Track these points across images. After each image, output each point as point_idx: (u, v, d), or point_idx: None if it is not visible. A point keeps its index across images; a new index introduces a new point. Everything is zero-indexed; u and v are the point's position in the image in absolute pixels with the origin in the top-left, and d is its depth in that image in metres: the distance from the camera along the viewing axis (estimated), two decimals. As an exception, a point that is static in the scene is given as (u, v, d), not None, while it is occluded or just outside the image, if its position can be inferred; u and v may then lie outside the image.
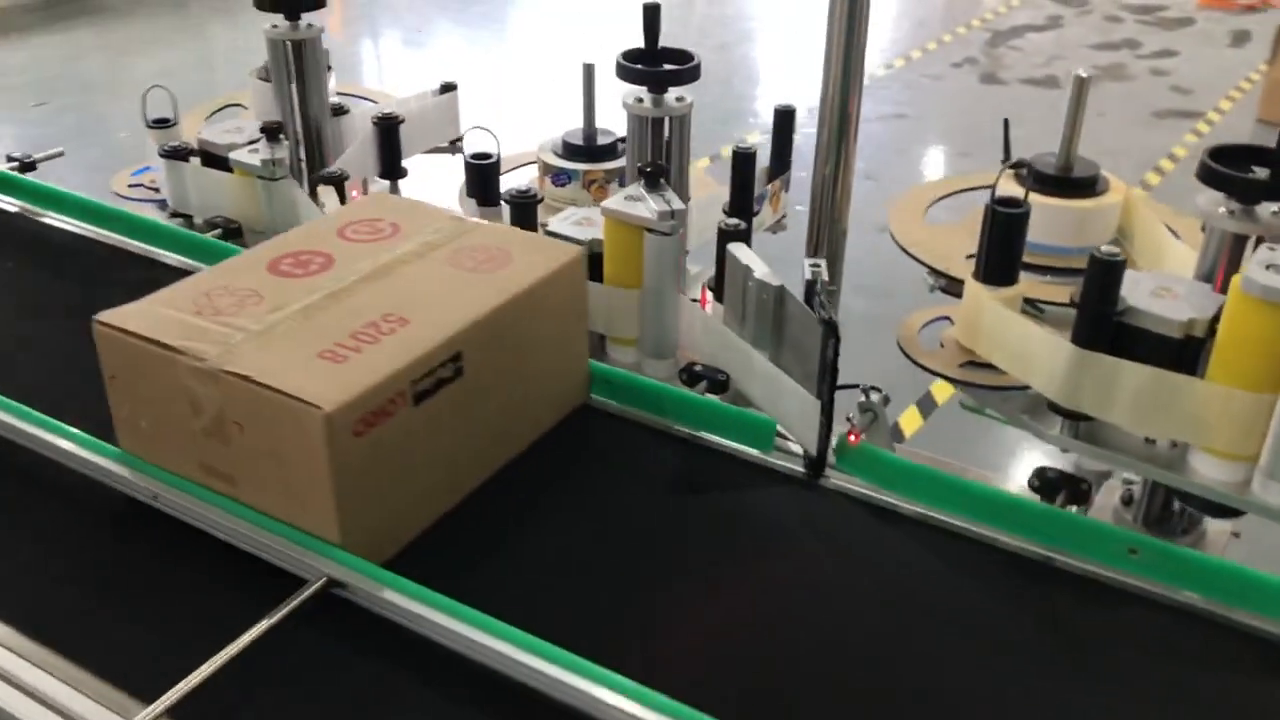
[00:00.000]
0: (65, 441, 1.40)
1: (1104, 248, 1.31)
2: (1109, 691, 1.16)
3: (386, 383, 1.20)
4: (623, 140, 2.13)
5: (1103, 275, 1.30)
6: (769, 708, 1.13)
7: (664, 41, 1.87)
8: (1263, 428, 1.28)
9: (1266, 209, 1.41)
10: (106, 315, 1.30)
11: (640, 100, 1.79)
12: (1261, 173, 1.40)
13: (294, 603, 1.20)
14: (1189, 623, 1.25)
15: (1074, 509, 1.45)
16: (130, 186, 2.20)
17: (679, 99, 1.80)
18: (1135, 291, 1.36)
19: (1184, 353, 1.33)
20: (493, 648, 1.13)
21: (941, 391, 3.50)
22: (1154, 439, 1.39)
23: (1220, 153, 1.43)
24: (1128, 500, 1.64)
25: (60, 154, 2.28)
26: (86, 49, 7.09)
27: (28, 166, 2.23)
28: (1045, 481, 1.43)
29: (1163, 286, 1.37)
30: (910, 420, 3.65)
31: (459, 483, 1.38)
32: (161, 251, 1.96)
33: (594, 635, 1.18)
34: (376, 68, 6.86)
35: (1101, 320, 1.33)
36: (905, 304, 1.68)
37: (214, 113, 2.50)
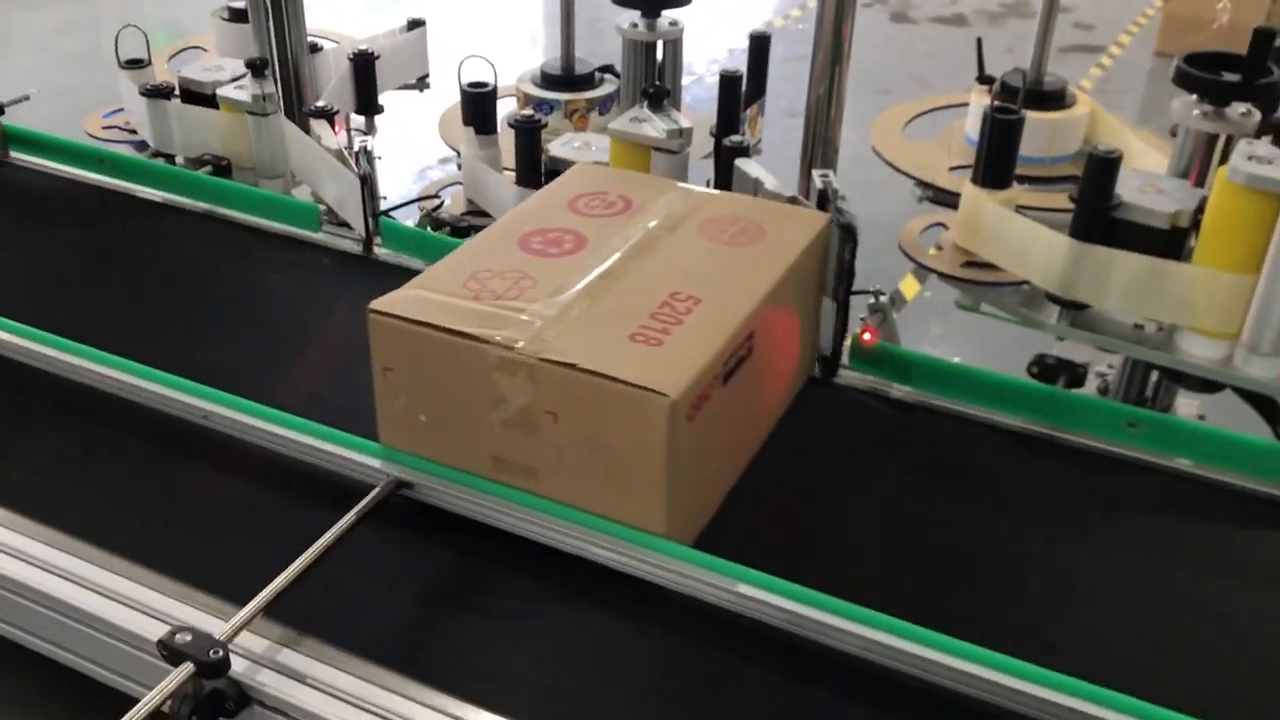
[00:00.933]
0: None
1: (1101, 146, 1.42)
2: (1113, 544, 1.29)
3: (711, 364, 1.16)
4: (601, 70, 2.19)
5: (1101, 171, 1.41)
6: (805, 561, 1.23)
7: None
8: (1245, 307, 1.41)
9: (1235, 110, 1.54)
10: (382, 304, 1.22)
11: (635, 25, 1.85)
12: (1231, 77, 1.52)
13: (365, 504, 1.25)
14: (1182, 484, 1.38)
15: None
16: (105, 129, 2.19)
17: (672, 23, 1.86)
18: (1124, 188, 1.47)
19: (1171, 242, 1.45)
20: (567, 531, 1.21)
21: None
22: (1142, 325, 1.52)
23: (1193, 59, 1.55)
24: (1104, 391, 1.77)
25: (28, 98, 2.24)
26: (-26, 4, 6.79)
27: (-6, 111, 2.19)
28: (1045, 368, 1.55)
29: (1148, 183, 1.49)
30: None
31: (741, 460, 1.35)
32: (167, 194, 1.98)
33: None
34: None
35: (1098, 214, 1.44)
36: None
37: (174, 55, 2.48)
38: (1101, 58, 5.73)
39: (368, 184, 1.78)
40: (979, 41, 1.88)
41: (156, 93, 2.02)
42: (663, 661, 1.15)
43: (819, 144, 1.76)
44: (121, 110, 2.21)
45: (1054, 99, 1.85)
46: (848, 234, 1.43)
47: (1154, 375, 1.73)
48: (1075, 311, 1.51)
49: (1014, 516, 1.33)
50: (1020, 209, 1.59)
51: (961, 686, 1.07)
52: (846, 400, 1.51)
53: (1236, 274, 1.39)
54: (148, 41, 2.14)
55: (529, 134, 1.77)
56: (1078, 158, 1.85)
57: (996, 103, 1.51)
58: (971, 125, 1.93)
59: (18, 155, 2.09)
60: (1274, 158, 1.35)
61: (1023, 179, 1.81)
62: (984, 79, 1.87)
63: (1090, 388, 1.77)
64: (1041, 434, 1.44)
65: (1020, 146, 1.80)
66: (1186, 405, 1.76)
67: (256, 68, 1.96)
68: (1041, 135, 1.81)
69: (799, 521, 1.32)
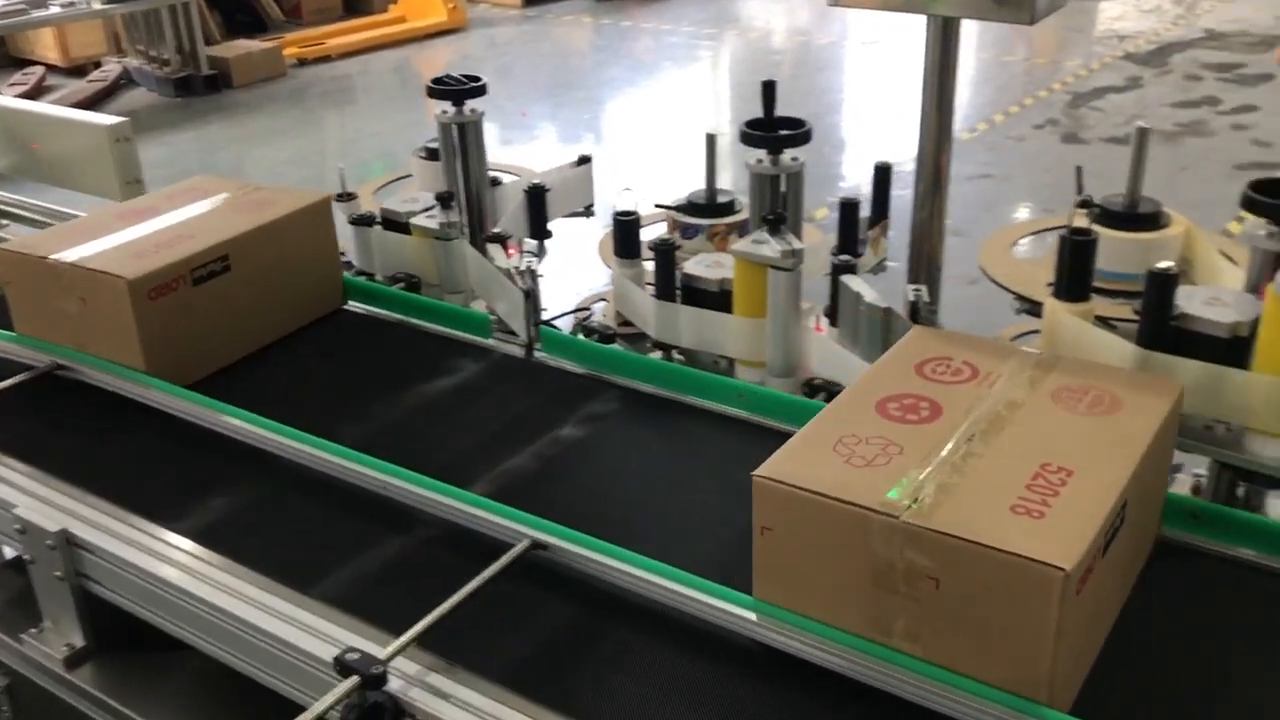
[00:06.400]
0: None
1: (1159, 264, 1.58)
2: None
3: (1096, 538, 1.20)
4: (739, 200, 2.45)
5: (1159, 286, 1.58)
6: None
7: (755, 113, 2.20)
8: (1301, 410, 1.53)
9: (1303, 232, 1.67)
10: (765, 470, 1.33)
11: (760, 161, 2.12)
12: (1295, 200, 1.66)
13: (507, 559, 1.51)
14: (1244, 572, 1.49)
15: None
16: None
17: (793, 159, 2.12)
18: (1190, 302, 1.63)
19: (1232, 350, 1.59)
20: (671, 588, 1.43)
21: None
22: (1211, 426, 1.64)
23: (1259, 185, 1.70)
24: (1196, 490, 1.88)
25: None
26: (220, 142, 7.68)
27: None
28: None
29: (1214, 297, 1.64)
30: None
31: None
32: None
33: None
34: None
35: (1160, 324, 1.60)
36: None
37: (381, 187, 2.90)
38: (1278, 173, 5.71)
39: (530, 298, 2.08)
40: (1078, 170, 2.06)
41: (361, 221, 2.40)
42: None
43: (922, 262, 1.96)
44: (334, 235, 2.60)
45: (1149, 221, 2.01)
46: (932, 341, 1.63)
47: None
48: (1147, 412, 1.65)
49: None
50: (1099, 319, 1.75)
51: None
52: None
53: (1289, 379, 1.52)
54: (343, 179, 2.52)
55: (665, 255, 2.04)
56: (1174, 274, 2.00)
57: (1072, 226, 1.69)
58: (1072, 245, 2.09)
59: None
60: (1320, 273, 1.48)
61: (1119, 294, 1.97)
62: (1084, 203, 2.04)
63: (1184, 487, 1.89)
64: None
65: (1116, 264, 1.97)
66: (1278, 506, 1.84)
67: (444, 200, 2.31)
68: (1135, 253, 1.97)
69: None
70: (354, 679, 1.32)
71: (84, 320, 1.99)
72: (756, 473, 1.31)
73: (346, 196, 2.53)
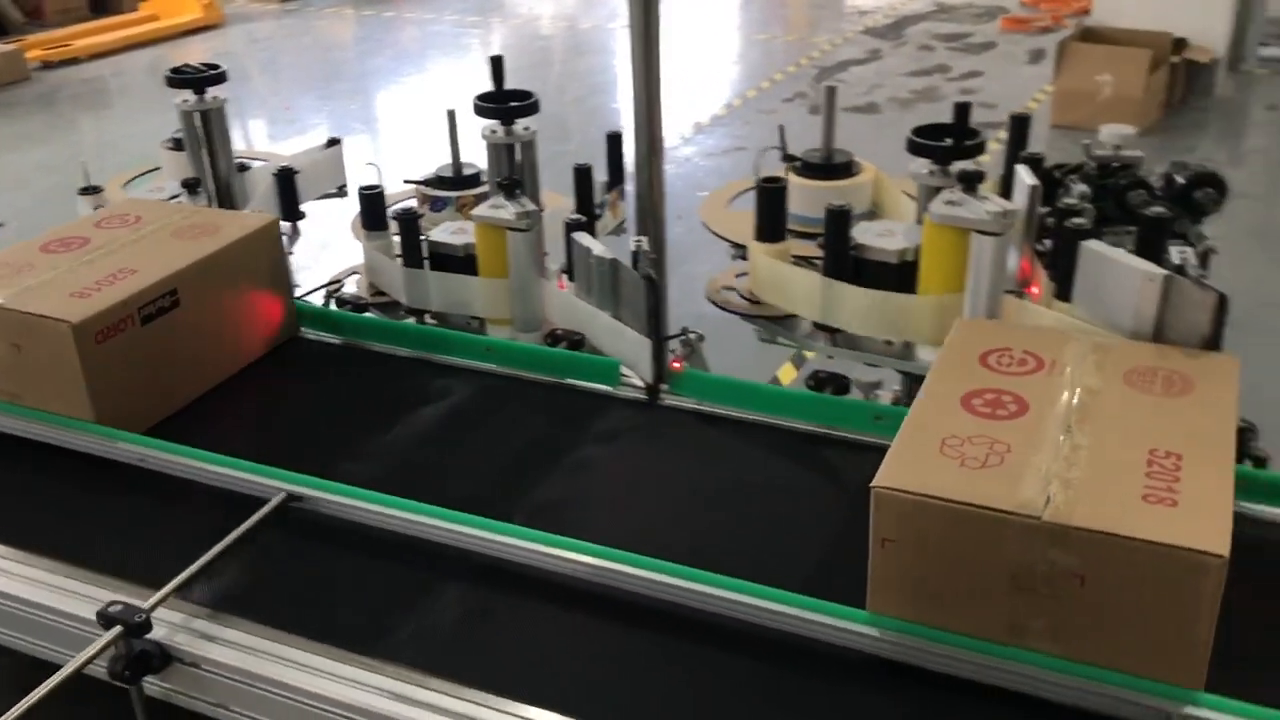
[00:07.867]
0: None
1: (833, 203, 1.81)
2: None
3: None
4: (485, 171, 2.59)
5: (835, 221, 1.80)
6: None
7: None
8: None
9: (958, 168, 1.93)
10: (885, 480, 1.26)
11: (494, 131, 2.26)
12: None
13: (261, 513, 1.61)
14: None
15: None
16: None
17: (525, 129, 2.26)
18: (866, 234, 1.87)
19: (903, 274, 1.83)
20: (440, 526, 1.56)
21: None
22: (892, 341, 1.89)
23: (921, 130, 1.95)
24: (896, 402, 2.14)
25: (2, 224, 2.64)
26: (-40, 150, 7.27)
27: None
28: (818, 380, 1.91)
29: (887, 229, 1.88)
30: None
31: None
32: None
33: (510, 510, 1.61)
34: (246, 144, 7.22)
35: (840, 255, 1.82)
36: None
37: (131, 180, 2.89)
38: (1000, 131, 6.22)
39: (280, 274, 2.15)
40: (781, 129, 2.28)
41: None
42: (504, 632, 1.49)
43: (647, 217, 2.15)
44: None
45: (842, 169, 2.25)
46: (651, 285, 1.81)
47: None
48: (838, 334, 1.89)
49: (789, 498, 1.69)
50: (797, 259, 1.97)
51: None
52: (662, 416, 1.88)
53: (946, 294, 1.77)
54: (86, 172, 2.54)
55: (409, 225, 2.16)
56: (867, 216, 2.25)
57: (762, 176, 1.91)
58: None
59: None
60: (964, 201, 1.73)
61: (817, 236, 2.20)
62: (787, 158, 2.27)
63: (888, 397, 2.14)
64: (818, 433, 1.78)
65: (813, 210, 2.20)
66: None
67: (190, 186, 2.36)
68: (831, 199, 2.19)
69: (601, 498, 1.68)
70: (117, 629, 1.39)
71: (18, 368, 1.82)
72: (876, 484, 1.26)
73: (92, 190, 2.54)
